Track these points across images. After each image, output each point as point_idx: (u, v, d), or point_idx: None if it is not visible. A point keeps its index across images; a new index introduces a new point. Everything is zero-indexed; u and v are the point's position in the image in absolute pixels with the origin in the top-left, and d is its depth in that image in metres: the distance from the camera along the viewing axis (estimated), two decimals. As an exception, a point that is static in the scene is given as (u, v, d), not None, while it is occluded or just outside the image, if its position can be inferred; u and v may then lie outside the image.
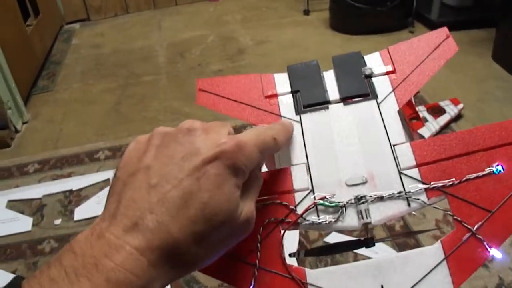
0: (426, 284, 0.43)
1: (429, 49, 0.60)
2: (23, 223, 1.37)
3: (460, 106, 1.61)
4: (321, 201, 0.48)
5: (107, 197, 0.38)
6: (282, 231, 0.47)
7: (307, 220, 0.48)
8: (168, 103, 1.90)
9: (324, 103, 0.57)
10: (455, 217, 0.45)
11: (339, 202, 0.48)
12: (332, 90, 0.58)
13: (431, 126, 1.52)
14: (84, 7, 2.78)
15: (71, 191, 1.47)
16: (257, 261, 0.46)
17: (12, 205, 1.44)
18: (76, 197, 1.44)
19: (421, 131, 1.49)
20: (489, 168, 0.47)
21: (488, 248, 0.43)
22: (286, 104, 0.58)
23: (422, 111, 1.58)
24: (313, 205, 0.48)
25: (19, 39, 2.03)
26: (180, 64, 2.19)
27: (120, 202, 0.36)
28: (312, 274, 0.45)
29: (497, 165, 0.47)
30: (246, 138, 0.40)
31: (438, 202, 0.47)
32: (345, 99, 0.57)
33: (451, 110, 1.59)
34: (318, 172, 0.51)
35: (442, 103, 1.61)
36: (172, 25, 2.62)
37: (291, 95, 0.58)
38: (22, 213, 1.41)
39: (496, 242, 0.43)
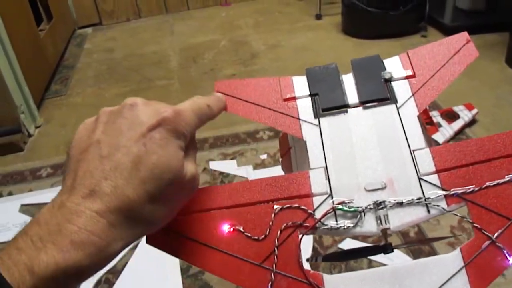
0: None
1: (449, 54, 0.59)
2: (37, 228, 1.37)
3: (474, 111, 1.60)
4: (340, 206, 0.48)
5: (63, 175, 0.41)
6: (300, 236, 0.47)
7: (325, 225, 0.47)
8: (181, 107, 1.89)
9: (343, 107, 0.56)
10: (475, 225, 0.45)
11: (358, 207, 0.47)
12: (351, 93, 0.57)
13: (445, 132, 1.51)
14: (97, 12, 2.80)
15: (84, 195, 1.46)
16: (274, 266, 0.45)
17: (25, 209, 1.45)
18: (89, 201, 1.44)
19: (435, 136, 1.48)
20: (509, 176, 0.47)
21: (508, 257, 0.42)
22: (304, 107, 0.57)
23: (436, 116, 1.57)
24: (331, 210, 0.47)
25: (32, 44, 2.04)
26: (193, 69, 2.19)
27: (77, 174, 0.39)
28: (329, 280, 0.45)
29: None
30: (183, 106, 0.45)
31: (458, 209, 0.46)
32: (364, 103, 0.56)
33: (465, 115, 1.58)
34: (337, 177, 0.50)
35: (456, 108, 1.60)
36: (185, 29, 2.63)
37: (309, 98, 0.58)
38: (35, 217, 1.41)
39: None
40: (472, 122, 1.60)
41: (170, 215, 0.43)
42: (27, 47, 1.95)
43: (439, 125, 1.52)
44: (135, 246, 1.25)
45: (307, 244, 1.17)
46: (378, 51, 2.16)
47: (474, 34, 2.10)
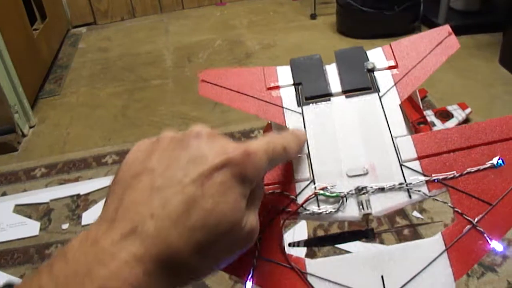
0: (427, 275, 0.43)
1: (431, 46, 0.60)
2: (31, 228, 1.37)
3: (468, 110, 1.60)
4: (322, 191, 0.49)
5: (106, 198, 0.37)
6: (282, 221, 0.48)
7: (308, 210, 0.48)
8: (176, 107, 1.90)
9: (326, 96, 0.57)
10: (456, 209, 0.46)
11: (339, 193, 0.48)
12: (334, 83, 0.58)
13: (439, 131, 1.51)
14: (91, 11, 2.79)
15: (78, 195, 1.47)
16: (256, 252, 0.46)
17: (19, 209, 1.44)
18: (84, 201, 1.44)
19: (429, 136, 1.49)
20: (490, 162, 0.48)
21: (489, 241, 0.44)
22: (288, 96, 0.58)
23: (429, 115, 1.58)
24: (313, 195, 0.49)
25: (26, 43, 2.03)
26: (187, 68, 2.19)
27: (121, 204, 0.35)
28: (311, 264, 0.45)
29: (498, 159, 0.48)
30: (255, 146, 0.39)
31: (439, 194, 0.48)
32: (347, 92, 0.57)
33: (459, 115, 1.58)
34: (319, 163, 0.51)
35: (449, 108, 1.61)
36: (179, 29, 2.62)
37: (293, 87, 0.59)
38: (30, 217, 1.41)
39: (497, 235, 0.44)
40: (465, 121, 1.60)
41: (216, 269, 0.38)
42: (21, 47, 1.95)
43: (433, 124, 1.53)
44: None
45: (301, 232, 1.18)
46: (372, 51, 2.17)
47: (468, 34, 2.13)
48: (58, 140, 1.78)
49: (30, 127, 1.88)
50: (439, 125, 1.53)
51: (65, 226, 1.36)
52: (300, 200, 0.49)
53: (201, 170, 0.35)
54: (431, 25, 2.27)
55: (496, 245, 0.44)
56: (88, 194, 1.47)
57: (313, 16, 2.55)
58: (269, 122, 0.74)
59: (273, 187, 0.50)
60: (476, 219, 0.45)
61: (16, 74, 1.78)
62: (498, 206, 0.45)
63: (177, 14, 2.83)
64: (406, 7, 2.19)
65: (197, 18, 2.74)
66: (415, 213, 1.25)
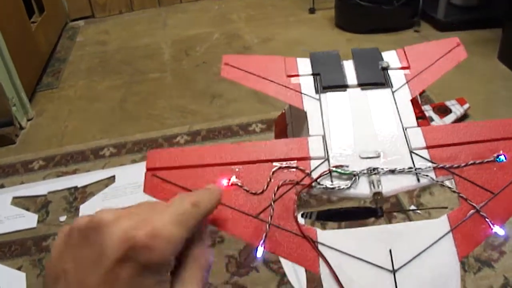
0: (433, 252, 0.45)
1: (441, 53, 0.66)
2: (28, 220, 1.37)
3: (466, 105, 1.60)
4: (336, 169, 0.52)
5: None
6: (296, 193, 0.50)
7: (321, 185, 0.51)
8: (174, 100, 1.89)
9: (342, 86, 0.62)
10: (461, 195, 0.49)
11: (352, 171, 0.51)
12: (351, 76, 0.64)
13: (437, 126, 1.52)
14: (89, 4, 2.78)
15: (76, 188, 1.46)
16: (269, 218, 0.48)
17: (17, 201, 1.44)
18: (81, 194, 1.44)
19: (427, 130, 1.49)
20: (493, 156, 0.52)
21: (492, 226, 0.46)
22: (306, 83, 0.64)
23: (428, 110, 1.58)
24: (328, 171, 0.52)
25: (23, 36, 2.02)
26: (185, 62, 2.19)
27: None
28: (323, 234, 0.47)
29: (501, 155, 0.52)
30: (161, 220, 0.36)
31: (445, 181, 0.51)
32: (362, 85, 0.62)
33: (457, 110, 1.58)
34: (334, 144, 0.55)
35: (448, 103, 1.61)
36: (177, 22, 2.62)
37: (311, 76, 0.64)
38: (27, 209, 1.41)
39: (499, 221, 0.47)
40: (464, 117, 1.60)
41: None
42: (19, 40, 1.94)
43: (431, 119, 1.53)
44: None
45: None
46: (371, 45, 2.14)
47: (467, 29, 2.13)
48: (56, 133, 1.78)
49: (28, 120, 1.88)
50: (437, 120, 1.53)
51: (62, 218, 1.36)
52: (314, 176, 0.52)
53: (105, 268, 0.34)
54: (430, 20, 2.27)
55: (498, 230, 0.46)
56: (85, 186, 1.46)
57: (312, 10, 2.54)
58: (283, 112, 0.83)
59: (288, 163, 0.53)
60: (479, 205, 0.48)
61: (14, 67, 1.78)
62: (500, 195, 0.48)
63: (175, 7, 2.82)
64: (405, 1, 2.19)
65: (195, 12, 2.73)
66: (413, 207, 1.25)
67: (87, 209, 1.38)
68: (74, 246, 0.36)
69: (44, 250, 1.27)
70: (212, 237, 1.23)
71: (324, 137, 0.56)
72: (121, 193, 1.41)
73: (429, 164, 0.52)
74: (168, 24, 2.61)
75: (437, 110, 1.58)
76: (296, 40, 2.28)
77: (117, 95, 1.99)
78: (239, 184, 0.51)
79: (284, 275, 1.10)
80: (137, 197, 1.38)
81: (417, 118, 0.75)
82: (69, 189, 1.47)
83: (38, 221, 1.37)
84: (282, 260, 1.11)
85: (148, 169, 0.53)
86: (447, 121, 1.54)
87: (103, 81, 2.11)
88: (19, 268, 1.23)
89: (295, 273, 1.08)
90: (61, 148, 1.67)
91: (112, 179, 1.48)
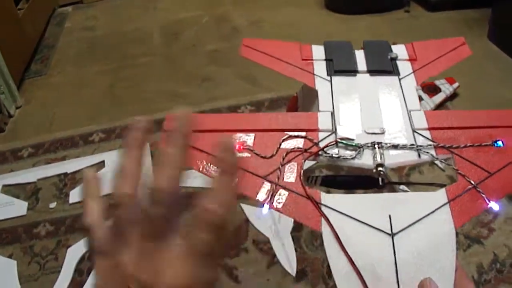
0: (430, 220, 0.48)
1: (447, 50, 0.73)
2: (18, 208, 1.37)
3: (456, 85, 1.60)
4: (342, 140, 0.56)
5: None
6: (304, 159, 0.54)
7: (327, 154, 0.55)
8: (163, 84, 1.88)
9: (353, 71, 0.67)
10: (459, 172, 0.52)
11: (358, 143, 0.55)
12: (361, 63, 0.69)
13: (426, 105, 1.52)
14: (77, -10, 2.75)
15: (65, 174, 1.46)
16: (277, 179, 0.52)
17: (7, 190, 1.44)
18: (71, 180, 1.44)
19: (417, 110, 1.48)
20: (492, 140, 0.55)
21: (488, 201, 0.49)
22: (319, 67, 0.69)
23: (417, 89, 1.57)
24: (334, 142, 0.56)
25: (10, 23, 2.00)
26: (175, 45, 2.17)
27: None
28: (326, 197, 0.50)
29: (499, 140, 0.55)
30: (177, 275, 0.36)
31: (445, 159, 0.55)
32: (372, 72, 0.67)
33: (447, 89, 1.58)
34: (341, 120, 0.59)
35: (437, 82, 1.60)
36: (166, 6, 2.59)
37: (325, 62, 0.69)
38: (17, 197, 1.40)
39: (494, 198, 0.49)
40: (453, 96, 1.60)
41: None
42: (6, 27, 1.92)
43: (421, 99, 1.52)
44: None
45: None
46: (361, 26, 2.16)
47: (457, 9, 2.12)
48: (45, 120, 1.77)
49: (17, 108, 1.87)
50: (426, 100, 1.53)
51: (52, 205, 1.36)
52: (321, 145, 0.56)
53: None
54: (421, 1, 2.26)
55: (494, 205, 0.49)
56: (75, 172, 1.46)
57: (301, -8, 2.52)
58: (295, 95, 0.88)
59: (298, 132, 0.57)
60: (476, 183, 0.50)
61: (1, 55, 1.76)
62: (496, 175, 0.51)
63: (165, -9, 2.80)
64: (394, -19, 2.18)
65: (184, -5, 2.71)
66: (403, 187, 1.25)
67: (77, 195, 1.38)
68: None
69: (35, 237, 1.27)
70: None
71: (332, 113, 0.60)
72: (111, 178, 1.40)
73: (430, 142, 0.55)
74: (157, 8, 2.58)
75: (426, 89, 1.58)
76: (286, 22, 2.27)
77: (106, 80, 1.98)
78: (251, 148, 0.55)
79: (274, 255, 1.10)
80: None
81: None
82: (58, 175, 1.46)
83: (28, 209, 1.37)
84: (272, 241, 1.11)
85: (163, 131, 0.55)
86: (436, 100, 1.54)
87: (91, 67, 2.10)
88: (10, 256, 1.24)
89: (285, 253, 1.09)
90: (50, 135, 1.66)
91: (101, 164, 1.48)
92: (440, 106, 1.55)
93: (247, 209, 1.21)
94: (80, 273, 1.15)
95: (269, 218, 1.18)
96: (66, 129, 1.67)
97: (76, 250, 1.21)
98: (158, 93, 1.83)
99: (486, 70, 1.76)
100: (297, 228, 1.15)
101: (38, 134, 1.69)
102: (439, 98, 1.55)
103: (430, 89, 1.56)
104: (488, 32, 1.96)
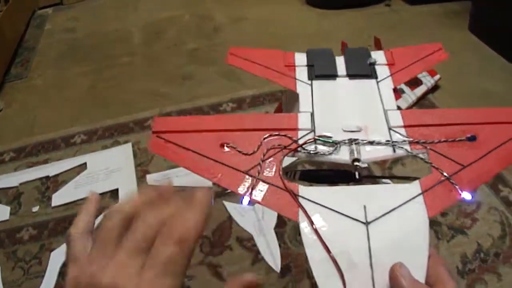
0: (404, 210, 0.50)
1: (424, 54, 0.76)
2: (1, 213, 1.35)
3: (437, 77, 1.60)
4: (320, 137, 0.59)
5: None
6: (283, 154, 0.57)
7: (306, 150, 0.58)
8: (145, 84, 1.87)
9: (332, 76, 0.71)
10: (433, 165, 0.55)
11: (335, 140, 0.58)
12: (341, 69, 0.72)
13: (407, 98, 1.52)
14: (57, -9, 2.73)
15: (47, 177, 1.45)
16: (257, 174, 0.54)
17: (-11, 195, 1.42)
18: (53, 183, 1.43)
19: (398, 102, 1.49)
20: (466, 136, 0.58)
21: (460, 192, 0.51)
22: (301, 72, 0.73)
23: (399, 83, 1.57)
24: (313, 139, 0.59)
25: (-11, 26, 1.98)
26: (156, 45, 2.16)
27: None
28: (304, 189, 0.53)
29: (473, 135, 0.58)
30: (147, 282, 0.38)
31: (420, 154, 0.57)
32: (351, 76, 0.71)
33: (428, 81, 1.59)
34: (320, 120, 0.62)
35: (419, 74, 1.60)
36: (147, 6, 2.58)
37: (306, 67, 0.73)
38: (-1, 202, 1.39)
39: (467, 189, 0.51)
40: (434, 88, 1.61)
41: None
42: (-16, 29, 1.90)
43: (402, 91, 1.53)
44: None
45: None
46: (342, 21, 2.16)
47: (438, 2, 2.13)
48: (26, 123, 1.75)
49: (-3, 112, 1.85)
50: (408, 92, 1.54)
51: (35, 209, 1.35)
52: (300, 143, 0.59)
53: None
54: (402, -6, 2.27)
55: (466, 195, 0.51)
56: (57, 175, 1.45)
57: (282, -12, 2.52)
58: (280, 102, 0.93)
59: (279, 132, 0.60)
60: (450, 175, 0.53)
61: (-20, 58, 1.74)
62: (469, 168, 0.54)
63: (145, -9, 2.78)
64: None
65: (165, -5, 2.70)
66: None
67: (59, 198, 1.36)
68: None
69: (18, 242, 1.26)
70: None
71: (312, 114, 0.63)
72: (94, 179, 1.40)
73: (405, 138, 0.58)
74: (138, 8, 2.57)
75: (408, 82, 1.58)
76: (267, 18, 2.27)
77: (87, 81, 1.96)
78: (233, 146, 0.58)
79: (258, 252, 1.10)
80: (109, 183, 1.37)
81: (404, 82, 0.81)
82: (40, 179, 1.45)
83: (11, 213, 1.35)
84: (256, 238, 1.11)
85: (153, 132, 0.61)
86: (418, 93, 1.55)
87: (72, 69, 2.08)
88: (-8, 261, 1.22)
89: (269, 250, 1.08)
90: (31, 138, 1.64)
91: (84, 166, 1.47)
92: (421, 98, 1.56)
93: (230, 206, 1.21)
94: (64, 277, 1.14)
95: (252, 215, 1.17)
96: (48, 132, 1.66)
97: (60, 254, 1.20)
98: (140, 93, 1.82)
99: (467, 61, 1.77)
100: (280, 224, 1.15)
101: (19, 137, 1.67)
102: (420, 90, 1.56)
103: (412, 82, 1.56)
104: (469, 24, 1.96)
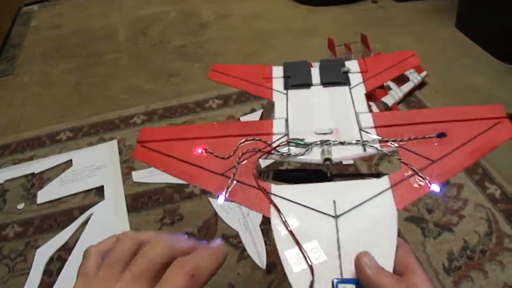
0: (373, 203, 0.52)
1: (396, 61, 0.78)
2: (-15, 210, 1.34)
3: (424, 73, 1.61)
4: (293, 140, 0.61)
5: None
6: (257, 157, 0.60)
7: (279, 152, 0.60)
8: (130, 81, 1.86)
9: (307, 85, 0.74)
10: (402, 161, 0.57)
11: (307, 142, 0.61)
12: (316, 78, 0.75)
13: (394, 94, 1.52)
14: (42, -12, 2.71)
15: (33, 174, 1.44)
16: (233, 175, 0.57)
17: (-27, 192, 1.41)
18: (39, 180, 1.42)
19: (385, 99, 1.49)
20: (435, 133, 0.60)
21: (429, 184, 0.53)
22: (278, 83, 0.76)
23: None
24: (286, 142, 0.62)
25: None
26: (142, 42, 2.15)
27: None
28: (275, 188, 0.55)
29: (442, 132, 0.60)
30: None
31: (390, 151, 0.59)
32: (325, 84, 0.74)
33: (415, 78, 1.59)
34: (294, 125, 0.65)
35: (406, 72, 1.60)
36: (133, 3, 2.57)
37: (283, 78, 0.77)
38: (-16, 200, 1.38)
39: (437, 182, 0.53)
40: (421, 85, 1.61)
41: None
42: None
43: (389, 88, 1.53)
44: (86, 222, 1.23)
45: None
46: (329, 17, 2.16)
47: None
48: (12, 120, 1.74)
49: (-18, 109, 1.83)
50: (395, 89, 1.54)
51: (20, 206, 1.34)
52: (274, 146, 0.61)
53: None
54: (387, -10, 2.27)
55: (435, 187, 0.53)
56: (42, 172, 1.44)
57: (269, -15, 2.52)
58: (262, 111, 0.95)
59: (254, 137, 0.63)
60: (418, 169, 0.55)
61: (-36, 55, 1.73)
62: (438, 162, 0.56)
63: (131, -12, 2.77)
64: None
65: (151, -9, 2.69)
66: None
67: (45, 195, 1.35)
68: None
69: (3, 239, 1.25)
70: (170, 216, 1.22)
71: (286, 120, 0.66)
72: (79, 177, 1.39)
73: (375, 137, 0.60)
74: (124, 5, 2.56)
75: (395, 78, 1.58)
76: (253, 14, 2.26)
77: (73, 78, 1.95)
78: (211, 151, 0.61)
79: (243, 249, 1.10)
80: (95, 179, 1.36)
81: (375, 88, 0.82)
82: (26, 176, 1.44)
83: (-5, 211, 1.34)
84: (242, 235, 1.11)
85: (138, 142, 0.64)
86: (404, 89, 1.55)
87: (58, 65, 2.07)
88: (-23, 260, 1.21)
89: (255, 247, 1.08)
90: (16, 135, 1.63)
91: (69, 163, 1.46)
92: (408, 95, 1.56)
93: (215, 203, 1.20)
94: (50, 274, 1.14)
95: (237, 212, 1.17)
96: (33, 129, 1.65)
97: (45, 251, 1.19)
98: (125, 89, 1.81)
99: (454, 58, 1.77)
100: (266, 221, 1.14)
101: (5, 134, 1.65)
102: (407, 87, 1.56)
103: (399, 78, 1.56)
104: (456, 21, 1.97)
